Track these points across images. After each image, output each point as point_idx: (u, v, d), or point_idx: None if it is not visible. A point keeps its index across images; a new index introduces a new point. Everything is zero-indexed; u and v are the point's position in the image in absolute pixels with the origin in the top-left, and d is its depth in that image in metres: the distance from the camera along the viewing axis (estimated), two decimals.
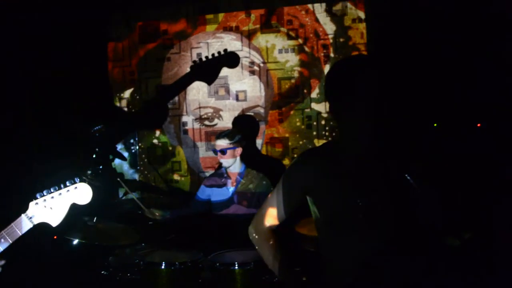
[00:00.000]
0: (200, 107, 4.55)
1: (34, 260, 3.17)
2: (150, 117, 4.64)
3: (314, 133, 4.34)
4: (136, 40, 4.65)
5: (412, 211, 1.86)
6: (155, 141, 4.66)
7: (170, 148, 4.64)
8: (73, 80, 4.29)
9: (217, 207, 3.84)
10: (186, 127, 4.58)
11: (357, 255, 1.84)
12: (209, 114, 4.53)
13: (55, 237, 3.29)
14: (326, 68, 4.26)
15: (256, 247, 2.10)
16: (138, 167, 4.69)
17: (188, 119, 4.58)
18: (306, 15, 4.30)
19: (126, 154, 4.62)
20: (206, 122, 4.54)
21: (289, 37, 4.34)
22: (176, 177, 4.63)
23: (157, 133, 4.66)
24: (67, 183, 2.16)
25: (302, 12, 4.31)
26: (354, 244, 1.84)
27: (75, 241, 3.17)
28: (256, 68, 4.41)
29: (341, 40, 4.24)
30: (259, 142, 4.45)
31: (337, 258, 1.90)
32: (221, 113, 4.50)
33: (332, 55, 4.26)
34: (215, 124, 4.51)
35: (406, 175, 1.77)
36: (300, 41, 4.32)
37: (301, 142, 4.37)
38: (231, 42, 4.44)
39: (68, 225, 2.74)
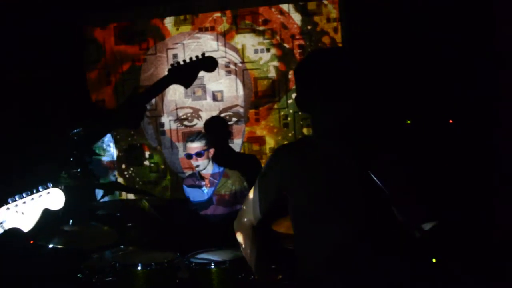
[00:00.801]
0: (177, 108, 4.55)
1: (9, 264, 3.15)
2: (127, 118, 4.61)
3: (292, 131, 4.37)
4: (112, 42, 4.63)
5: (383, 205, 1.87)
6: (133, 142, 4.65)
7: (148, 149, 4.62)
8: (51, 81, 4.26)
9: (196, 207, 3.84)
10: (164, 128, 4.58)
11: (330, 249, 1.85)
12: (188, 115, 4.52)
13: (31, 241, 3.26)
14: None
15: (239, 244, 2.15)
16: (116, 169, 4.68)
17: (165, 120, 4.57)
18: (279, 14, 4.31)
19: (104, 156, 4.60)
20: (186, 123, 4.53)
21: (264, 36, 4.35)
22: (154, 177, 4.62)
23: (134, 134, 4.65)
24: (40, 188, 2.13)
25: (276, 11, 4.32)
26: (327, 238, 1.86)
27: (51, 245, 3.15)
28: (233, 67, 4.42)
29: (309, 27, 4.27)
30: (238, 141, 4.46)
31: (311, 252, 1.92)
32: (200, 113, 4.50)
33: (305, 43, 4.28)
34: (195, 124, 4.51)
35: (369, 172, 1.78)
36: (276, 37, 4.33)
37: (279, 141, 4.39)
38: (207, 42, 4.44)
39: (45, 228, 2.73)
